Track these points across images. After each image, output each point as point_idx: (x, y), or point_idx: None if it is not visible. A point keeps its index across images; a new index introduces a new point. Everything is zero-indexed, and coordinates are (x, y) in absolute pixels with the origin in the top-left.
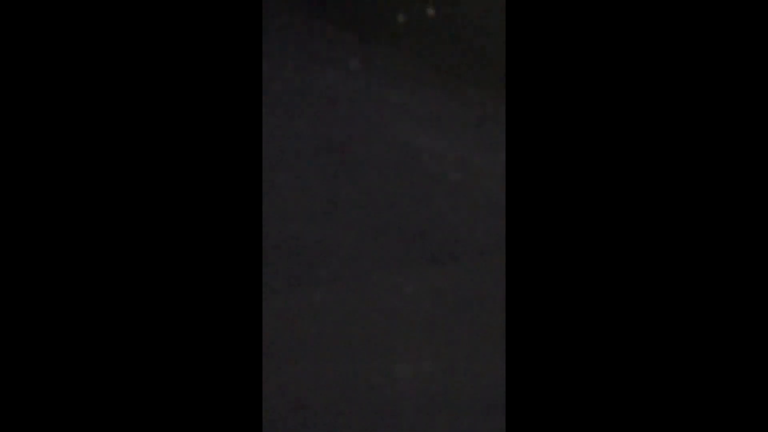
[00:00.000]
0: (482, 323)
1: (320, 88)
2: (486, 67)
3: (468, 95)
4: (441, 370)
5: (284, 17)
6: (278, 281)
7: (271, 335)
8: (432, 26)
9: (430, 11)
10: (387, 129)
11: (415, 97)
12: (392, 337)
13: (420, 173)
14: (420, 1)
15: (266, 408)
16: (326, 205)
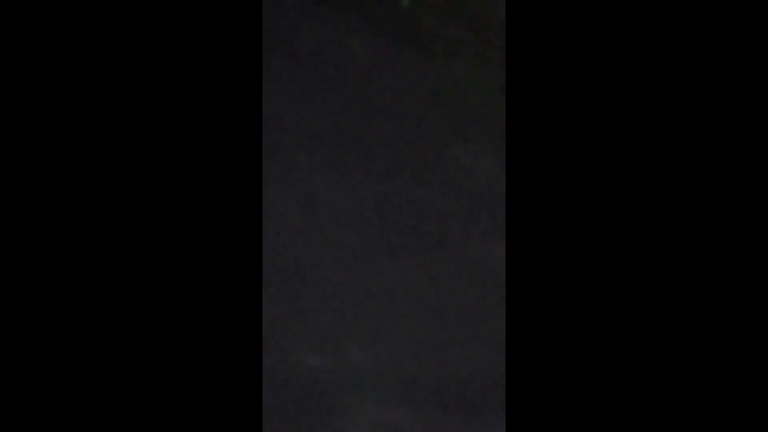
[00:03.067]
0: (482, 313)
1: (323, 73)
2: (488, 52)
3: (469, 82)
4: (442, 360)
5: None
6: (278, 271)
7: (271, 326)
8: (436, 10)
9: None
10: (388, 114)
11: (418, 83)
12: (391, 327)
13: (421, 160)
14: None
15: (266, 401)
16: (327, 193)
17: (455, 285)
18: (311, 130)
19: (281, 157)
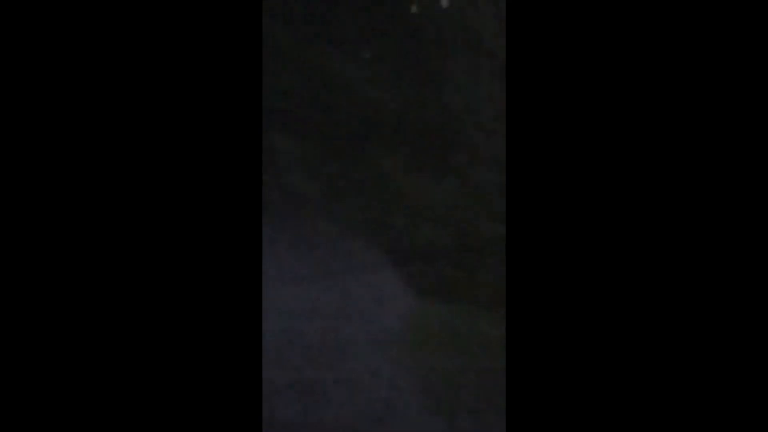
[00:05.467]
0: (482, 322)
1: (329, 78)
2: (491, 59)
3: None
4: (441, 363)
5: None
6: (278, 275)
7: (271, 329)
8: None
9: (444, 2)
10: (395, 119)
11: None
12: (391, 332)
13: (426, 167)
14: None
15: (266, 401)
16: (327, 199)
17: None
18: (314, 133)
19: (284, 157)
